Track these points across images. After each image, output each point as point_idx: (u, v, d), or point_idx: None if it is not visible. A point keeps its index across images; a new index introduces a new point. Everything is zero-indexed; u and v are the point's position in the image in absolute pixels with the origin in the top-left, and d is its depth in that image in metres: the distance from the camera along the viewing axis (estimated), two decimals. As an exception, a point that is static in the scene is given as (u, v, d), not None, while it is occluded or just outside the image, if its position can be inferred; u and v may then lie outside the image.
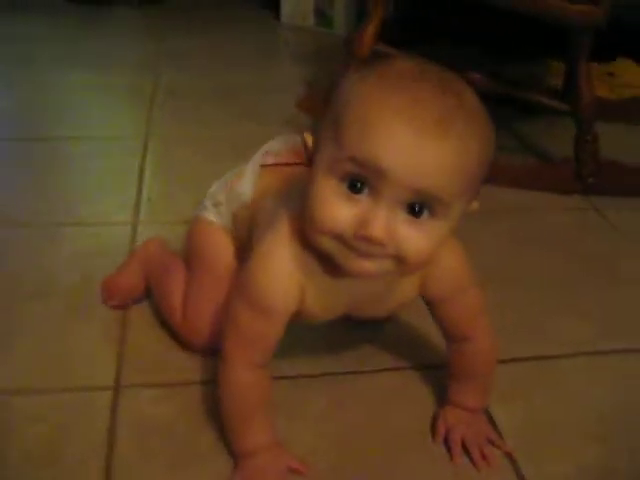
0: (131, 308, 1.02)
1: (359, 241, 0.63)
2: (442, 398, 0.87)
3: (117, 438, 0.81)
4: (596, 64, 1.94)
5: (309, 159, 0.69)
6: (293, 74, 2.05)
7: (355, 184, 0.62)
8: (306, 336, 0.95)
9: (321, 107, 1.48)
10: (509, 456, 0.81)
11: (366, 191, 0.62)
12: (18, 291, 1.06)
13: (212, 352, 0.84)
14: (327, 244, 0.65)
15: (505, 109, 1.62)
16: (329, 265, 0.69)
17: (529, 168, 1.49)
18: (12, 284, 1.08)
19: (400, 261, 0.65)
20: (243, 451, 0.76)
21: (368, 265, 0.65)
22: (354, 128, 0.61)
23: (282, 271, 0.71)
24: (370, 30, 1.41)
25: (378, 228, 0.61)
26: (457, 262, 0.77)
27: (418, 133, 0.59)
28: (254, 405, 0.76)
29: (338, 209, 0.63)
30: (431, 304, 0.79)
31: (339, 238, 0.64)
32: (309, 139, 0.69)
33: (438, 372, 0.91)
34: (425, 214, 0.63)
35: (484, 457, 0.80)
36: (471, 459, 0.80)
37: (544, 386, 0.93)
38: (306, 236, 0.68)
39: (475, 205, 0.69)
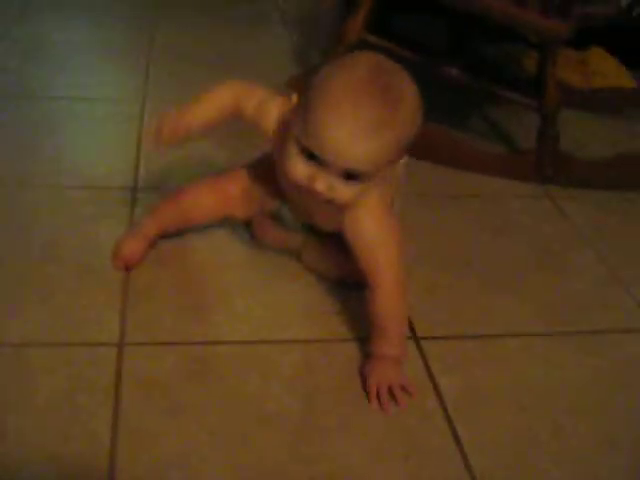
0: (133, 271, 1.14)
1: (309, 188, 0.91)
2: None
3: (122, 390, 0.94)
4: (571, 51, 2.06)
5: (292, 112, 0.96)
6: (285, 40, 2.14)
7: (309, 157, 0.89)
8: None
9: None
10: (412, 396, 0.99)
11: (315, 161, 0.89)
12: (27, 253, 1.16)
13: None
14: (291, 181, 0.94)
15: (478, 94, 1.76)
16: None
17: (493, 155, 1.61)
18: (21, 246, 1.17)
19: (331, 203, 0.93)
20: None
21: (315, 195, 0.92)
22: (311, 125, 0.87)
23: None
24: (358, 20, 1.52)
25: (320, 186, 0.90)
26: (371, 221, 1.00)
27: (351, 136, 0.85)
28: None
29: (299, 167, 0.91)
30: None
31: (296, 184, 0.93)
32: (294, 98, 0.97)
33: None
34: (354, 180, 0.90)
35: (395, 400, 0.98)
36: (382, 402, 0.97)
37: (484, 361, 1.08)
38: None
39: (404, 160, 0.96)
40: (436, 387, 1.02)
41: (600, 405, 1.04)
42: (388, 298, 1.00)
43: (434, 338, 1.10)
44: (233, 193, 1.18)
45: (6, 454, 0.85)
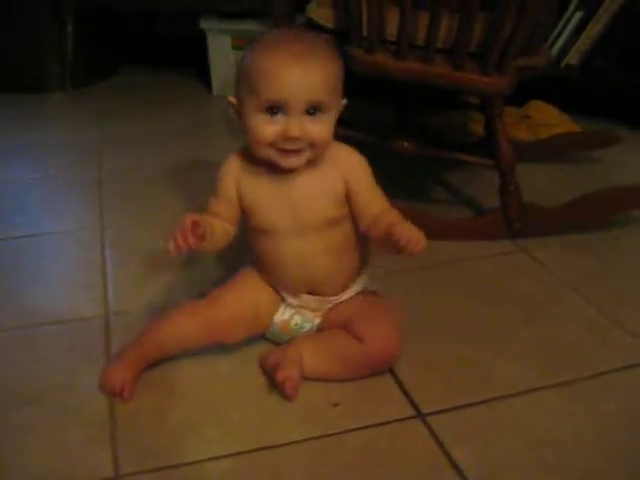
0: (116, 401, 1.09)
1: (285, 142, 1.02)
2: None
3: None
4: (513, 108, 2.10)
5: (237, 113, 1.08)
6: (229, 144, 2.12)
7: (273, 111, 1.01)
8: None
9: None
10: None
11: (280, 113, 1.01)
12: (6, 398, 1.10)
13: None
14: (266, 152, 1.04)
15: (433, 162, 1.77)
16: (268, 171, 1.08)
17: (460, 220, 1.61)
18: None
19: (312, 146, 1.04)
20: None
21: (294, 160, 1.05)
22: (262, 81, 1.00)
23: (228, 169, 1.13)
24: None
25: (294, 130, 1.01)
26: (357, 157, 1.12)
27: (296, 65, 0.99)
28: None
29: (268, 128, 1.02)
30: (351, 197, 1.10)
31: (272, 145, 1.03)
32: (232, 100, 1.08)
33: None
34: (318, 113, 1.02)
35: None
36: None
37: (496, 426, 1.04)
38: (252, 153, 1.07)
39: (344, 101, 1.09)
40: (453, 462, 0.97)
41: (626, 446, 1.00)
42: (390, 209, 1.09)
43: (440, 412, 1.06)
44: (218, 319, 1.13)
45: None
